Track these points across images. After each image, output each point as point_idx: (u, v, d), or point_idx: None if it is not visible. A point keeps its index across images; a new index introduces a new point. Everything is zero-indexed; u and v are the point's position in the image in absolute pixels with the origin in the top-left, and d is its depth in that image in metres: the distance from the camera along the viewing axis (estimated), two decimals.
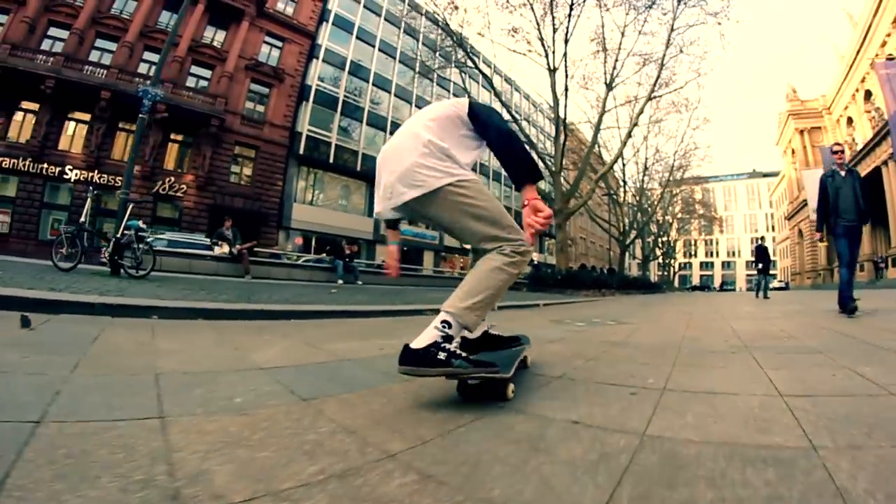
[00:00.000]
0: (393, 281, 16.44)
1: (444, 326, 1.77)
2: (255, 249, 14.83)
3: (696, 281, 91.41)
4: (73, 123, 23.22)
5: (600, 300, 15.12)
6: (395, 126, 33.35)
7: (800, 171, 49.81)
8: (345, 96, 30.16)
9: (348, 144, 30.33)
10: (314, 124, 28.78)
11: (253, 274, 12.77)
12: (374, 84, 31.44)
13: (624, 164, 36.23)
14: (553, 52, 20.59)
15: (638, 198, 37.68)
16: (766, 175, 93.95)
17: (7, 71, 20.94)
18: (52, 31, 23.00)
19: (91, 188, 9.13)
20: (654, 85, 22.86)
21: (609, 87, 22.62)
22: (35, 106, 22.17)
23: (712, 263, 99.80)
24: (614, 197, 36.95)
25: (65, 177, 22.34)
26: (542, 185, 34.69)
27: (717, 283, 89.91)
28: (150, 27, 24.75)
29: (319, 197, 30.42)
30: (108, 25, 24.04)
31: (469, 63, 21.36)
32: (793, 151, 55.46)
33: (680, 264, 71.90)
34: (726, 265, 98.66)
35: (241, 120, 26.83)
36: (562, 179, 23.13)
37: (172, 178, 24.71)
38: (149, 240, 8.50)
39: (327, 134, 29.23)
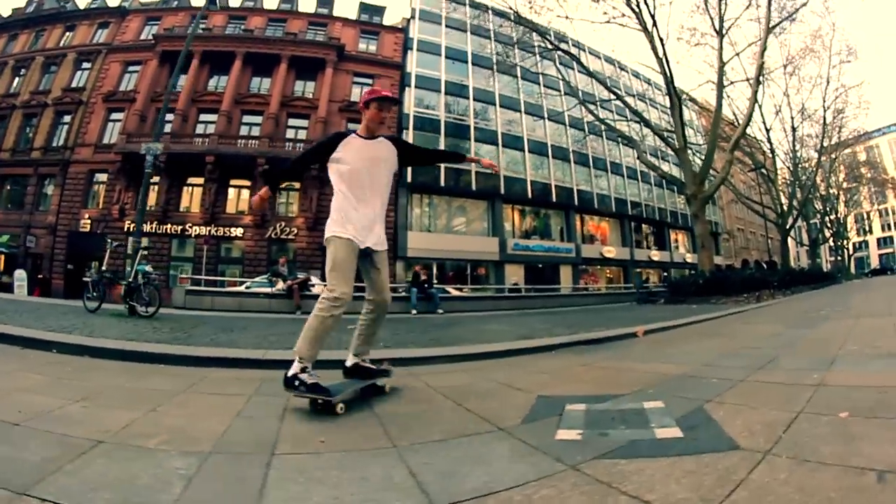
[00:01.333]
0: (489, 306, 16.39)
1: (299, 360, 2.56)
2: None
3: (874, 262, 72.77)
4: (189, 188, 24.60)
5: (750, 309, 10.10)
6: (506, 137, 30.25)
7: None
8: (446, 117, 27.60)
9: (460, 165, 27.20)
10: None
11: (304, 309, 11.34)
12: (476, 99, 28.63)
13: (768, 130, 28.94)
14: (642, 7, 16.79)
15: (792, 169, 30.05)
16: None
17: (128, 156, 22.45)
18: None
19: (110, 240, 10.32)
20: (769, 6, 17.65)
21: (720, 33, 18.14)
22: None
23: (892, 238, 75.84)
24: (764, 172, 28.88)
25: (185, 233, 23.77)
26: (668, 167, 29.43)
27: None
28: (242, 94, 25.45)
29: (436, 223, 27.00)
30: (207, 101, 25.13)
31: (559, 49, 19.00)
32: None
33: (854, 245, 58.16)
34: None
35: None
36: (691, 157, 18.68)
37: (284, 223, 24.45)
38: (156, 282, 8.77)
39: None
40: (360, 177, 2.72)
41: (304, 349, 2.53)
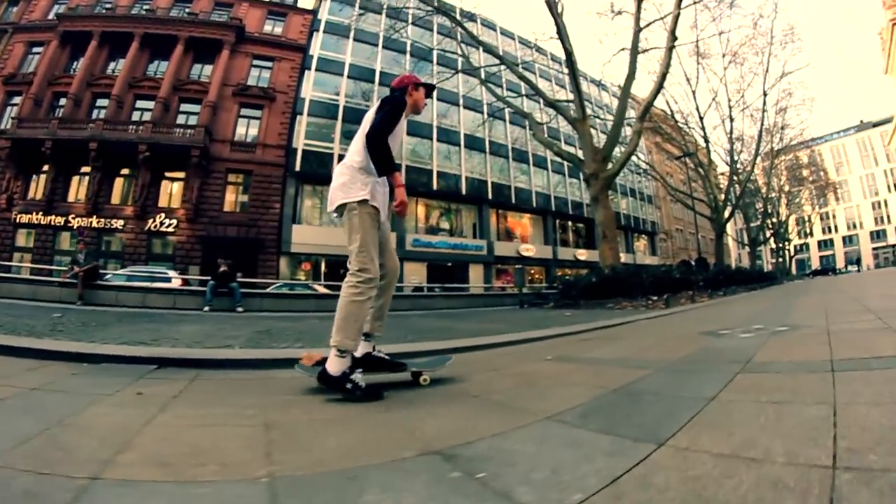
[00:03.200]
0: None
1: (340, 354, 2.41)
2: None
3: (815, 264, 78.89)
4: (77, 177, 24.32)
5: (640, 321, 7.33)
6: (412, 124, 29.06)
7: None
8: (346, 102, 26.79)
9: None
10: (313, 138, 25.73)
11: (87, 299, 10.91)
12: (381, 84, 27.67)
13: (702, 118, 26.88)
14: None
15: (728, 161, 28.52)
16: (877, 124, 76.80)
17: (18, 141, 22.88)
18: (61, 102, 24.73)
19: None
20: None
21: None
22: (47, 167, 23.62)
23: (832, 241, 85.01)
24: (697, 162, 26.94)
25: (69, 224, 23.21)
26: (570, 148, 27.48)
27: (840, 262, 77.77)
28: (137, 78, 25.22)
29: (328, 215, 26.50)
30: (102, 85, 24.99)
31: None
32: None
33: (795, 247, 60.27)
34: (847, 240, 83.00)
35: (230, 147, 25.04)
36: (591, 130, 16.58)
37: (164, 215, 23.94)
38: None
39: (328, 146, 25.79)
40: (396, 145, 2.74)
41: (349, 339, 2.41)
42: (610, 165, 15.72)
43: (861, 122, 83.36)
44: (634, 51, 16.22)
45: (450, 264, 28.23)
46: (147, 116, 24.56)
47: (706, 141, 27.57)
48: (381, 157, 2.52)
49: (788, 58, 37.17)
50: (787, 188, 41.92)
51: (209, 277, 12.89)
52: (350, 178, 2.59)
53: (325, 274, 24.95)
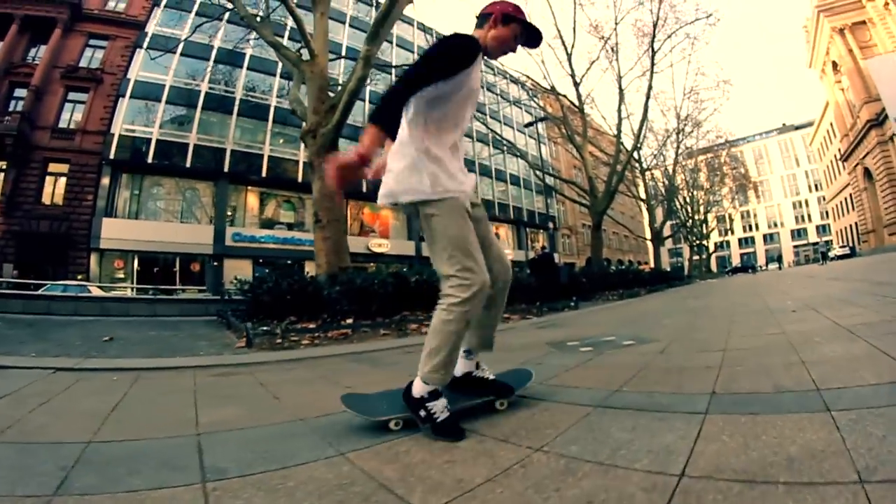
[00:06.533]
0: None
1: (426, 384, 1.89)
2: None
3: (735, 261, 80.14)
4: None
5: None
6: (246, 104, 25.79)
7: (864, 65, 35.39)
8: (174, 82, 24.19)
9: (177, 138, 23.96)
10: (134, 122, 23.64)
11: None
12: (217, 61, 24.64)
13: (577, 82, 20.75)
14: None
15: (638, 145, 24.93)
16: (798, 127, 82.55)
17: None
18: None
19: None
20: None
21: None
22: None
23: (753, 239, 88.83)
24: (567, 132, 21.19)
25: None
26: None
27: (760, 259, 79.25)
28: None
29: (144, 208, 24.35)
30: None
31: None
32: (834, 66, 42.73)
33: (716, 244, 59.53)
34: (769, 238, 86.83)
35: (51, 134, 23.73)
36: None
37: None
38: None
39: (148, 130, 23.57)
40: (472, 108, 2.05)
41: (436, 372, 1.88)
42: (338, 113, 9.95)
43: (783, 124, 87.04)
44: None
45: (289, 262, 24.97)
46: None
47: (581, 105, 21.12)
48: (378, 108, 1.72)
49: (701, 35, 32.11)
50: (706, 185, 40.32)
51: None
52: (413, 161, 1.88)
53: (138, 272, 23.06)
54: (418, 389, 1.89)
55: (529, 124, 23.78)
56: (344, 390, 2.45)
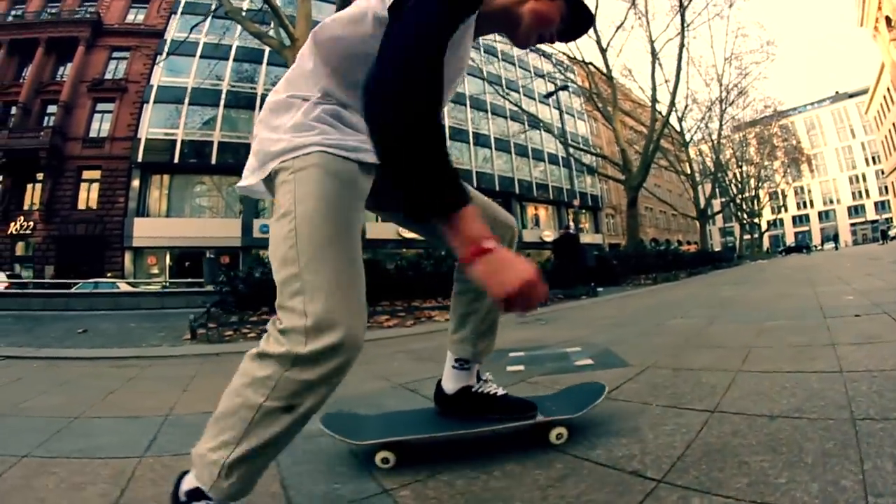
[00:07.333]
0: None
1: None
2: None
3: (790, 240, 75.48)
4: None
5: None
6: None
7: None
8: (196, 84, 25.05)
9: (202, 137, 24.84)
10: (159, 125, 24.60)
11: None
12: (236, 59, 25.58)
13: (604, 49, 20.78)
14: None
15: (680, 121, 26.01)
16: (852, 95, 75.06)
17: None
18: None
19: None
20: None
21: None
22: None
23: (807, 216, 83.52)
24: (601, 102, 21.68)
25: None
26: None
27: (816, 238, 74.90)
28: (5, 85, 25.69)
29: (176, 206, 25.22)
30: None
31: None
32: (888, 21, 38.12)
33: (768, 222, 57.87)
34: (824, 216, 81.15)
35: (82, 144, 24.88)
36: None
37: (23, 217, 24.30)
38: None
39: (173, 132, 24.49)
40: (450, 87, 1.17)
41: (216, 453, 0.93)
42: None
43: (836, 92, 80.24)
44: None
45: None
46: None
47: (609, 72, 21.09)
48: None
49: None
50: (756, 159, 38.56)
51: None
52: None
53: (171, 268, 23.80)
54: (186, 484, 0.96)
55: (550, 94, 23.05)
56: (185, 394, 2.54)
